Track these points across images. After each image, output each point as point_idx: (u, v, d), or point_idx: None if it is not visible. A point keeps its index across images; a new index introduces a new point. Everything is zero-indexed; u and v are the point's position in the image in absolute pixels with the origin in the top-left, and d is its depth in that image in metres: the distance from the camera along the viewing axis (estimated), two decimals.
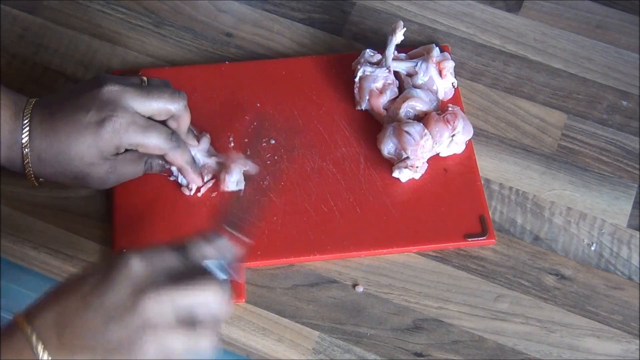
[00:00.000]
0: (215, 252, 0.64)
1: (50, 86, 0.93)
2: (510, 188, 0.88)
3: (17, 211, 0.85)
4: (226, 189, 0.83)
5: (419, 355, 0.78)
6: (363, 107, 0.90)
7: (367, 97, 0.89)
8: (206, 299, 0.60)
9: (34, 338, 0.58)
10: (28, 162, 0.78)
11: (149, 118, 0.79)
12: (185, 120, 0.81)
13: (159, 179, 0.85)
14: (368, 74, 0.89)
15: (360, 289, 0.81)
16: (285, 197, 0.85)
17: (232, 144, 0.88)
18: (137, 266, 0.60)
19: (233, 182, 0.83)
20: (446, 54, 0.91)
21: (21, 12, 0.98)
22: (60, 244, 0.83)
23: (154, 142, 0.78)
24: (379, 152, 0.86)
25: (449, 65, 0.90)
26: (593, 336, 0.79)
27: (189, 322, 0.59)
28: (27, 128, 0.77)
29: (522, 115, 0.92)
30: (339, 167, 0.87)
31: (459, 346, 0.79)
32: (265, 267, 0.82)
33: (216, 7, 1.00)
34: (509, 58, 0.97)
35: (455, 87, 0.91)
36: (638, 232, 0.85)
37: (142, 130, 0.77)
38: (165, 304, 0.59)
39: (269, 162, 0.87)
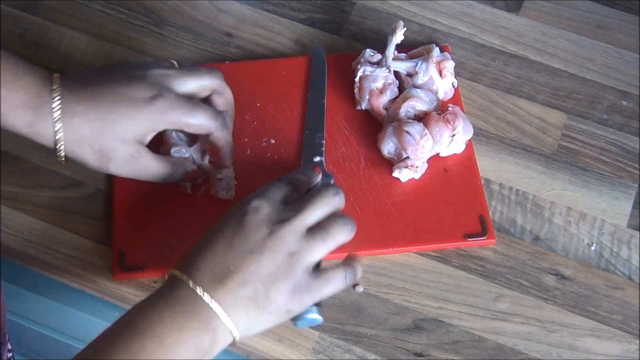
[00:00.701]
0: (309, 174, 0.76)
1: None
2: (510, 188, 0.88)
3: (17, 211, 0.85)
4: (217, 196, 0.83)
5: (419, 355, 0.78)
6: (363, 107, 0.90)
7: (367, 97, 0.89)
8: (328, 207, 0.71)
9: (198, 289, 0.64)
10: (59, 128, 0.75)
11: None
12: (228, 93, 0.83)
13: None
14: (368, 73, 0.89)
15: (360, 289, 0.81)
16: None
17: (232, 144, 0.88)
18: (264, 207, 0.68)
19: (223, 191, 0.83)
20: (446, 54, 0.91)
21: (21, 12, 0.98)
22: (60, 244, 0.83)
23: (201, 120, 0.78)
24: (379, 152, 0.86)
25: (449, 65, 0.90)
26: (593, 336, 0.79)
27: (322, 230, 0.69)
28: (59, 92, 0.75)
29: (522, 115, 0.92)
30: (339, 167, 0.87)
31: (459, 346, 0.79)
32: None
33: (216, 7, 1.00)
34: (509, 58, 0.97)
35: (455, 87, 0.91)
36: (638, 232, 0.85)
37: (189, 109, 0.77)
38: (298, 228, 0.68)
39: (269, 162, 0.87)
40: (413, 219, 0.84)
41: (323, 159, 0.86)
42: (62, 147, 0.76)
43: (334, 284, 0.70)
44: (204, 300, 0.64)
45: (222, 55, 0.96)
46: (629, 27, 0.99)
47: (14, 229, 0.84)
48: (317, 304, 0.75)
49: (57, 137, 0.75)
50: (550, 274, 0.83)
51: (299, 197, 0.72)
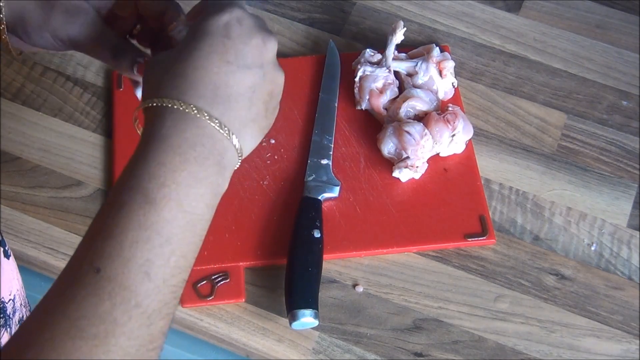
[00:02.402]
0: None
1: (50, 86, 0.93)
2: (510, 188, 0.87)
3: (17, 211, 0.85)
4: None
5: (419, 355, 0.78)
6: (363, 107, 0.90)
7: (367, 97, 0.89)
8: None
9: (214, 123, 0.55)
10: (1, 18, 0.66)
11: None
12: None
13: None
14: (368, 73, 0.89)
15: (360, 289, 0.81)
16: (285, 197, 0.85)
17: None
18: (246, 16, 0.60)
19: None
20: (446, 54, 0.91)
21: None
22: (60, 244, 0.83)
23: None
24: (379, 152, 0.86)
25: (449, 65, 0.90)
26: (593, 336, 0.79)
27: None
28: None
29: (522, 115, 0.92)
30: (339, 167, 0.87)
31: (459, 346, 0.79)
32: (265, 267, 0.82)
33: None
34: (509, 58, 0.97)
35: (455, 87, 0.91)
36: (638, 232, 0.85)
37: None
38: (247, 24, 0.60)
39: (269, 162, 0.87)
40: (413, 219, 0.84)
41: (330, 162, 0.86)
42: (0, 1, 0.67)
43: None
44: (215, 132, 0.55)
45: None
46: (629, 27, 0.99)
47: (14, 229, 0.84)
48: (315, 308, 0.75)
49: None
50: (550, 274, 0.83)
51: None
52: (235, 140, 0.56)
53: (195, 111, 0.54)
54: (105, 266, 0.49)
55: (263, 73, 0.59)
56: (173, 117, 0.54)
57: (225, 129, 0.55)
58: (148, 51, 0.72)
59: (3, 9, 0.67)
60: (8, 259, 0.75)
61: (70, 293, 0.49)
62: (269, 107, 0.60)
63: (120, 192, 0.52)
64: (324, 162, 0.86)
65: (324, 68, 0.93)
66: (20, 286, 0.78)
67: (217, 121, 0.55)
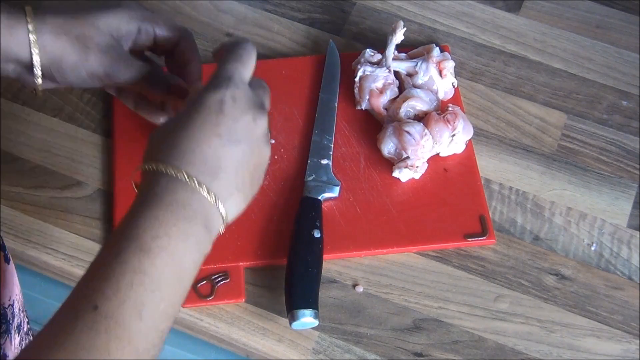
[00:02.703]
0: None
1: None
2: (510, 188, 0.87)
3: (17, 211, 0.85)
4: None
5: (419, 355, 0.78)
6: (363, 107, 0.90)
7: (367, 97, 0.89)
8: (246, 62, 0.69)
9: (200, 188, 0.61)
10: (32, 33, 0.72)
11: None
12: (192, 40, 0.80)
13: None
14: (368, 73, 0.89)
15: (360, 289, 0.81)
16: (285, 197, 0.85)
17: None
18: (240, 94, 0.65)
19: None
20: (446, 54, 0.91)
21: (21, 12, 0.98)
22: (60, 244, 0.83)
23: (170, 20, 0.77)
24: (379, 152, 0.86)
25: (449, 65, 0.90)
26: (593, 336, 0.79)
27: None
28: (30, 10, 0.72)
29: (522, 115, 0.92)
30: (339, 167, 0.87)
31: (459, 346, 0.79)
32: (265, 267, 0.82)
33: (216, 7, 1.00)
34: (509, 58, 0.97)
35: (455, 87, 0.91)
36: (638, 232, 0.85)
37: (155, 14, 0.77)
38: (267, 111, 0.68)
39: (268, 161, 0.87)
40: (413, 219, 0.84)
41: (330, 162, 0.86)
42: (35, 47, 0.72)
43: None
44: (203, 198, 0.60)
45: None
46: (629, 27, 0.99)
47: (14, 229, 0.84)
48: (315, 308, 0.75)
49: (31, 38, 0.71)
50: (550, 274, 0.83)
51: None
52: (221, 207, 0.61)
53: (186, 177, 0.60)
54: (102, 304, 0.54)
55: (251, 148, 0.64)
56: (167, 179, 0.60)
57: (212, 195, 0.61)
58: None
59: (38, 56, 0.72)
60: (8, 264, 0.75)
61: (69, 327, 0.54)
62: (254, 177, 0.66)
63: (119, 240, 0.57)
64: (324, 162, 0.86)
65: (324, 68, 0.93)
66: (19, 291, 0.78)
67: (205, 187, 0.60)
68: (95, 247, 0.83)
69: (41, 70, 0.73)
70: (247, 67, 0.69)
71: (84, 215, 0.85)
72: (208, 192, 0.61)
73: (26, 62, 0.72)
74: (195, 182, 0.60)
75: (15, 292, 0.77)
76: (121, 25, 0.75)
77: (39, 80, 0.74)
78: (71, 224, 0.84)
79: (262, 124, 0.66)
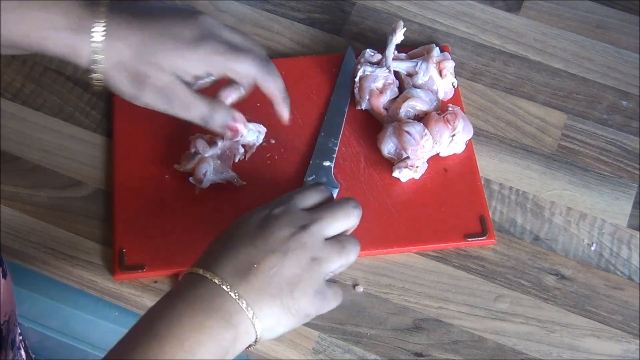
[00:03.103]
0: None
1: (50, 86, 0.93)
2: (510, 188, 0.87)
3: (17, 211, 0.85)
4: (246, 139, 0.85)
5: (419, 355, 0.78)
6: (363, 107, 0.90)
7: (367, 97, 0.89)
8: (348, 220, 0.71)
9: (221, 283, 0.64)
10: (100, 56, 0.72)
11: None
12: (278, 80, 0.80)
13: (159, 179, 0.85)
14: (368, 73, 0.89)
15: (360, 289, 0.81)
16: None
17: None
18: (285, 212, 0.69)
19: (252, 130, 0.85)
20: (446, 54, 0.91)
21: None
22: (60, 244, 0.83)
23: (247, 64, 0.75)
24: (379, 152, 0.86)
25: (449, 65, 0.90)
26: (593, 336, 0.79)
27: (339, 244, 0.70)
28: (103, 22, 0.71)
29: (522, 115, 0.92)
30: (339, 167, 0.87)
31: (459, 346, 0.79)
32: None
33: (216, 7, 1.00)
34: (509, 58, 0.97)
35: (455, 87, 0.91)
36: (638, 232, 0.85)
37: (235, 54, 0.74)
38: (318, 235, 0.69)
39: (269, 162, 0.87)
40: (413, 219, 0.84)
41: (332, 165, 0.86)
42: (98, 69, 0.73)
43: (339, 298, 0.71)
44: (226, 294, 0.63)
45: None
46: (629, 27, 0.99)
47: (14, 229, 0.84)
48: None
49: (95, 59, 0.72)
50: (550, 274, 0.83)
51: (318, 207, 0.72)
52: (244, 305, 0.63)
53: (210, 275, 0.64)
54: None
55: (287, 257, 0.66)
56: (195, 277, 0.65)
57: (235, 293, 0.63)
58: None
59: (97, 75, 0.73)
60: (5, 278, 0.75)
61: None
62: (296, 288, 0.66)
63: (138, 324, 0.63)
64: (326, 164, 0.86)
65: (340, 72, 0.92)
66: (14, 305, 0.78)
67: (227, 285, 0.64)
68: (95, 247, 0.83)
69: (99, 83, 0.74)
70: (306, 198, 0.72)
71: (84, 215, 0.85)
72: (231, 290, 0.63)
73: (85, 69, 0.73)
74: (218, 279, 0.64)
75: (12, 308, 0.77)
76: (188, 69, 0.74)
77: (98, 87, 0.74)
78: (71, 224, 0.84)
79: (301, 240, 0.67)
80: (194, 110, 0.75)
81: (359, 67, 0.90)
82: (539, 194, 0.87)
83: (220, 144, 0.84)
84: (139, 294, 0.80)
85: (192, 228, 0.83)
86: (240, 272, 0.64)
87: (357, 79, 0.89)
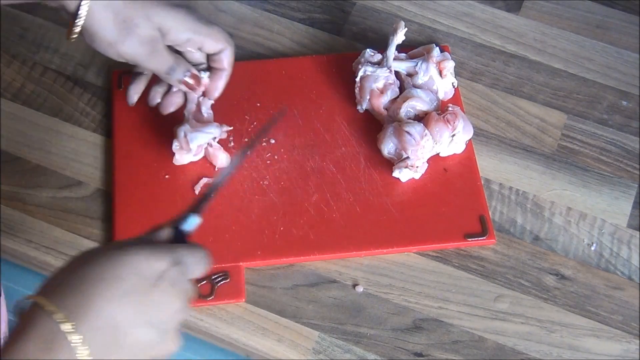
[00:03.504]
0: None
1: (50, 86, 0.93)
2: (510, 188, 0.88)
3: (17, 211, 0.85)
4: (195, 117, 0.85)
5: (419, 355, 0.78)
6: (364, 107, 0.90)
7: (368, 97, 0.89)
8: (200, 265, 0.61)
9: (67, 327, 0.54)
10: (87, 3, 0.73)
11: None
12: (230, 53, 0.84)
13: (159, 179, 0.85)
14: (369, 73, 0.89)
15: (360, 289, 0.81)
16: (285, 197, 0.85)
17: (232, 144, 0.88)
18: (181, 280, 0.59)
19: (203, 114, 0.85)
20: (446, 54, 0.91)
21: (21, 12, 0.98)
22: (60, 244, 0.83)
23: (222, 33, 0.82)
24: (379, 152, 0.86)
25: (449, 65, 0.90)
26: (593, 336, 0.79)
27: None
28: None
29: (522, 115, 0.92)
30: (339, 167, 0.87)
31: (459, 346, 0.79)
32: (265, 267, 0.82)
33: (216, 7, 1.00)
34: (509, 58, 0.97)
35: (455, 87, 0.91)
36: (638, 232, 0.85)
37: (210, 22, 0.81)
38: (179, 288, 0.58)
39: (269, 162, 0.87)
40: (413, 219, 0.84)
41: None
42: (86, 5, 0.73)
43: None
44: (56, 326, 0.53)
45: None
46: (629, 27, 0.99)
47: (14, 229, 0.84)
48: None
49: (83, 3, 0.72)
50: (550, 274, 0.83)
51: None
52: (68, 328, 0.53)
53: (66, 328, 0.54)
54: None
55: (162, 339, 0.57)
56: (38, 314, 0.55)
57: (67, 323, 0.53)
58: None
59: (83, 19, 0.73)
60: None
61: None
62: None
63: None
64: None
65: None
66: (6, 324, 0.77)
67: (61, 315, 0.54)
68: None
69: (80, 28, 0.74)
70: (198, 268, 0.61)
71: (84, 215, 0.85)
72: (63, 319, 0.54)
73: (71, 11, 0.73)
74: (77, 337, 0.53)
75: (4, 328, 0.76)
76: (173, 29, 0.78)
77: (76, 32, 0.74)
78: (71, 224, 0.84)
79: (183, 318, 0.59)
80: (165, 64, 0.80)
81: (359, 67, 0.90)
82: (539, 194, 0.87)
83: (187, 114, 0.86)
84: None
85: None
86: (112, 341, 0.55)
87: (357, 79, 0.89)
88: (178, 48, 0.82)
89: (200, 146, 0.84)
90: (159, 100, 0.86)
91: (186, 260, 0.60)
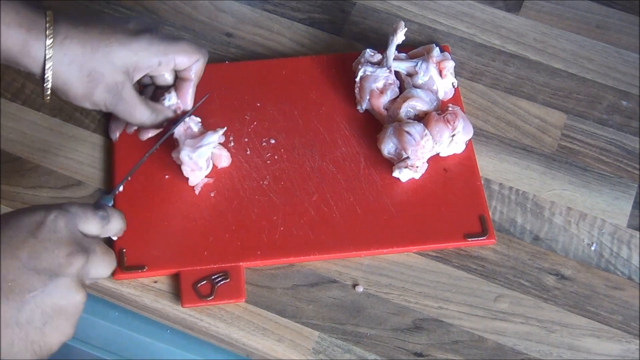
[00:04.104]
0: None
1: None
2: (510, 188, 0.88)
3: None
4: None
5: (419, 355, 0.78)
6: (364, 107, 0.90)
7: (368, 97, 0.89)
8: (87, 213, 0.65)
9: None
10: (50, 53, 0.74)
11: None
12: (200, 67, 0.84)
13: (159, 179, 0.85)
14: (369, 74, 0.89)
15: (360, 289, 0.81)
16: (285, 197, 0.85)
17: (232, 143, 0.88)
18: (63, 224, 0.61)
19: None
20: (446, 54, 0.91)
21: None
22: None
23: (186, 46, 0.80)
24: (379, 152, 0.86)
25: (449, 65, 0.90)
26: (593, 336, 0.79)
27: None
28: (51, 21, 0.74)
29: (522, 115, 0.92)
30: (339, 167, 0.87)
31: (459, 346, 0.79)
32: (265, 267, 0.82)
33: (216, 7, 1.00)
34: (509, 58, 0.97)
35: (455, 87, 0.91)
36: (638, 232, 0.85)
37: (174, 40, 0.79)
38: (62, 234, 0.61)
39: (269, 162, 0.87)
40: (413, 219, 0.84)
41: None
42: (50, 70, 0.74)
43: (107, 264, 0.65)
44: None
45: (222, 55, 0.96)
46: (629, 27, 0.99)
47: None
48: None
49: (47, 57, 0.73)
50: (550, 274, 0.83)
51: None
52: None
53: None
54: None
55: (54, 284, 0.58)
56: None
57: None
58: None
59: (50, 82, 0.75)
60: None
61: None
62: (51, 322, 0.58)
63: None
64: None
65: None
66: None
67: None
68: None
69: (50, 89, 0.75)
70: (87, 218, 0.64)
71: None
72: None
73: (38, 75, 0.75)
74: None
75: None
76: (140, 61, 0.77)
77: (48, 94, 0.76)
78: None
79: (77, 265, 0.60)
80: (140, 113, 0.80)
81: (359, 67, 0.90)
82: (539, 194, 0.87)
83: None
84: (139, 294, 0.80)
85: (192, 228, 0.83)
86: None
87: (357, 79, 0.89)
88: (153, 74, 0.81)
89: (208, 159, 0.84)
90: (131, 131, 0.86)
91: (72, 210, 0.62)
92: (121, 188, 0.81)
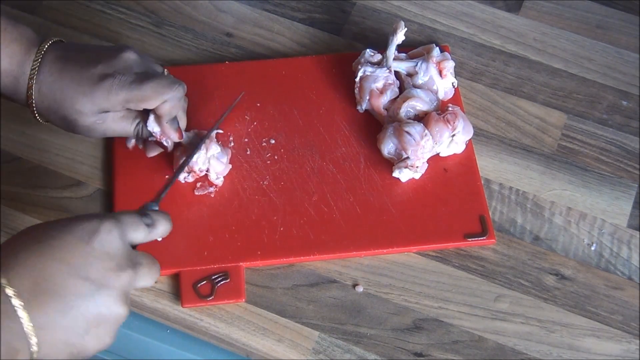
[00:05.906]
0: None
1: None
2: (510, 188, 0.88)
3: (17, 211, 0.85)
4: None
5: (419, 355, 0.78)
6: (363, 107, 0.90)
7: (368, 97, 0.89)
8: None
9: (14, 299, 0.57)
10: (32, 93, 0.78)
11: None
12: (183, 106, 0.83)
13: (159, 179, 0.85)
14: (369, 74, 0.89)
15: (360, 289, 0.81)
16: (285, 197, 0.85)
17: (232, 144, 0.88)
18: (116, 237, 0.62)
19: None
20: (446, 54, 0.91)
21: (21, 12, 0.98)
22: None
23: (149, 92, 0.77)
24: (379, 152, 0.86)
25: (449, 65, 0.90)
26: (593, 336, 0.79)
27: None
28: (38, 63, 0.78)
29: (522, 115, 0.92)
30: (339, 167, 0.87)
31: (459, 346, 0.79)
32: (265, 267, 0.82)
33: (216, 7, 1.00)
34: (509, 58, 0.97)
35: (455, 87, 0.91)
36: (638, 232, 0.85)
37: (137, 85, 0.77)
38: (111, 246, 0.62)
39: (269, 162, 0.87)
40: (413, 219, 0.84)
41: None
42: (36, 111, 0.80)
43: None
44: (16, 314, 0.56)
45: (222, 55, 0.96)
46: (629, 27, 0.99)
47: (14, 229, 0.84)
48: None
49: (30, 102, 0.79)
50: (550, 274, 0.83)
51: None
52: (29, 328, 0.56)
53: (4, 283, 0.56)
54: None
55: (100, 294, 0.59)
56: None
57: (26, 314, 0.56)
58: None
59: (35, 111, 0.80)
60: None
61: None
62: (93, 330, 0.60)
63: None
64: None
65: None
66: None
67: (18, 302, 0.56)
68: None
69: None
70: (136, 227, 0.65)
71: None
72: (23, 310, 0.56)
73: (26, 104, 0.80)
74: (12, 292, 0.56)
75: None
76: (103, 108, 0.78)
77: (37, 119, 0.81)
78: None
79: (125, 279, 0.61)
80: (124, 131, 0.81)
81: (359, 67, 0.90)
82: (539, 194, 0.87)
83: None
84: (139, 294, 0.80)
85: (192, 228, 0.83)
86: (40, 289, 0.57)
87: (357, 79, 0.89)
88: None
89: (224, 164, 0.84)
90: (131, 146, 0.87)
91: (123, 220, 0.63)
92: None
